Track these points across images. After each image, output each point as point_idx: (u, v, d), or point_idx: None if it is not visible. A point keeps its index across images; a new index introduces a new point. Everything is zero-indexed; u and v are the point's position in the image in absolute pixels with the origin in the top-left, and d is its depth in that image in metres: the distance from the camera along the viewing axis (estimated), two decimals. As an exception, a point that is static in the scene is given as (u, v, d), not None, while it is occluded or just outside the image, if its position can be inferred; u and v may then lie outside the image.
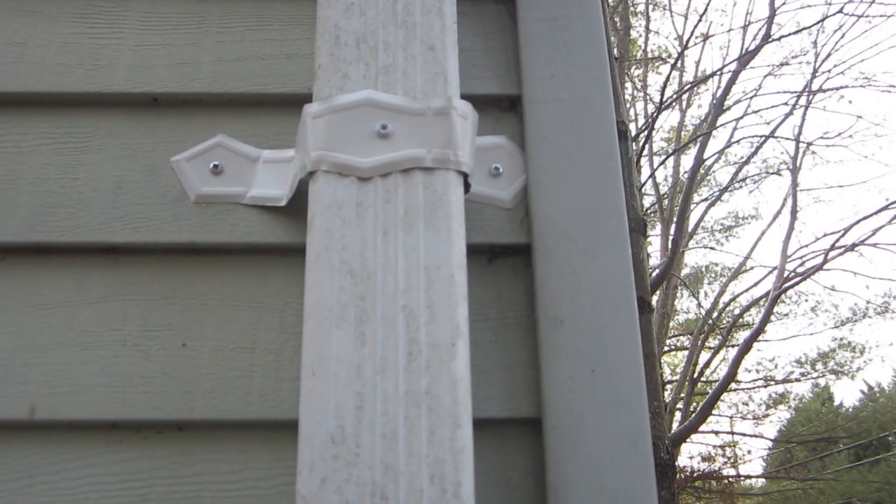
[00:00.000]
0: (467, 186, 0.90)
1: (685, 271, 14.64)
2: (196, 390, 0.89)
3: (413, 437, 0.72)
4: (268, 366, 0.91)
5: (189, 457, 0.88)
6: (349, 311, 0.78)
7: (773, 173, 13.96)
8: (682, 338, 14.57)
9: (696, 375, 11.69)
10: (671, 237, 10.98)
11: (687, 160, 12.77)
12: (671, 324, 13.65)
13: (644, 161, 12.68)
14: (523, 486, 0.88)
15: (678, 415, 11.14)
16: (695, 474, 11.66)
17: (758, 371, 14.48)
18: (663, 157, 13.50)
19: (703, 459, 12.61)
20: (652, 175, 12.46)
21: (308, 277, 0.80)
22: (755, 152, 13.31)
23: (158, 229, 0.96)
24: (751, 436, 13.55)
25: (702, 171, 12.77)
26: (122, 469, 0.87)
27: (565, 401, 0.89)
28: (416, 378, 0.75)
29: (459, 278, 0.80)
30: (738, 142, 12.88)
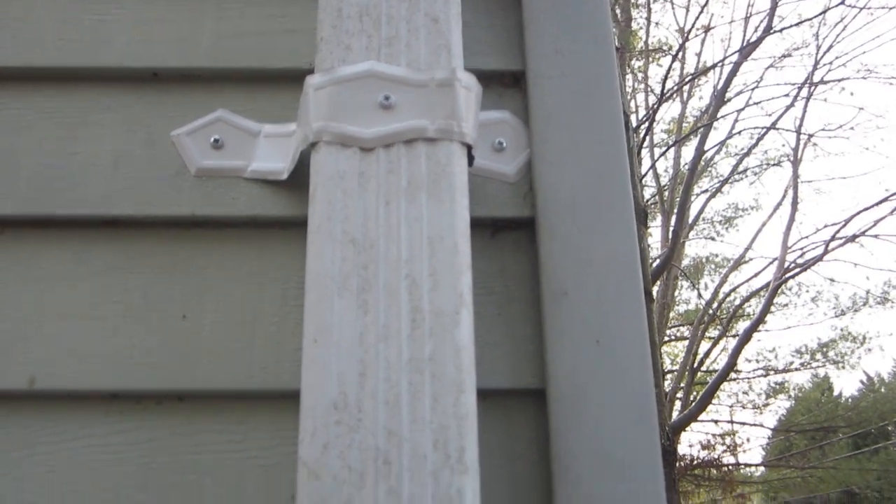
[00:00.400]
0: (471, 159, 0.89)
1: (685, 262, 14.64)
2: (196, 361, 0.89)
3: (416, 404, 0.72)
4: (269, 337, 0.90)
5: (190, 427, 0.88)
6: (351, 280, 0.77)
7: (774, 164, 13.96)
8: (682, 328, 14.58)
9: (696, 365, 11.70)
10: (671, 228, 10.98)
11: (688, 152, 12.76)
12: (671, 314, 13.66)
13: (645, 153, 12.67)
14: (527, 456, 0.88)
15: (678, 404, 11.16)
16: (695, 462, 11.69)
17: (758, 361, 14.50)
18: (664, 148, 13.48)
19: (703, 447, 12.63)
20: (653, 166, 12.45)
21: (310, 248, 0.80)
22: (756, 144, 13.30)
23: (159, 202, 0.95)
24: (751, 425, 13.58)
25: (702, 162, 12.76)
26: (122, 439, 0.87)
27: (569, 371, 0.88)
28: (419, 345, 0.74)
29: (463, 248, 0.80)
30: (739, 133, 12.87)
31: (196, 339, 0.90)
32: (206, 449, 0.87)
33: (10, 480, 0.86)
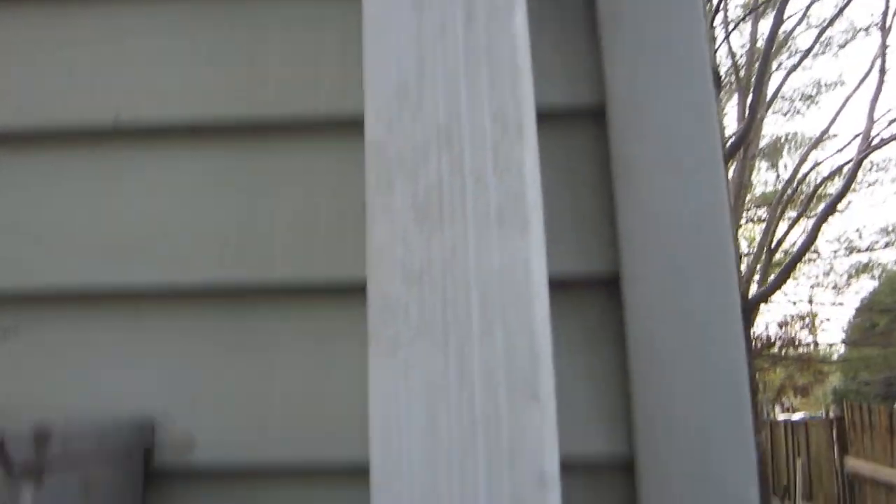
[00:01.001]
0: None
1: (763, 143, 14.05)
2: (266, 97, 0.93)
3: (473, 87, 0.74)
4: (333, 71, 0.94)
5: (265, 153, 0.93)
6: (406, -17, 0.79)
7: (861, 31, 13.05)
8: (759, 210, 14.15)
9: (773, 246, 11.42)
10: (748, 104, 10.50)
11: (765, 27, 12.02)
12: (748, 196, 13.25)
13: (719, 30, 12.00)
14: (588, 169, 0.90)
15: (754, 286, 10.98)
16: (771, 340, 11.57)
17: (839, 241, 14.02)
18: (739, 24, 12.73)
19: (780, 326, 12.46)
20: (726, 39, 11.81)
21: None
22: (840, 12, 12.43)
23: (219, -43, 0.98)
24: (831, 304, 13.28)
25: (781, 35, 12.02)
26: (202, 167, 0.93)
27: (628, 87, 0.88)
28: (475, 37, 0.76)
29: (515, -51, 0.80)
30: (820, 1, 12.00)
31: (264, 77, 0.94)
32: (279, 170, 0.92)
33: (99, 207, 0.93)
